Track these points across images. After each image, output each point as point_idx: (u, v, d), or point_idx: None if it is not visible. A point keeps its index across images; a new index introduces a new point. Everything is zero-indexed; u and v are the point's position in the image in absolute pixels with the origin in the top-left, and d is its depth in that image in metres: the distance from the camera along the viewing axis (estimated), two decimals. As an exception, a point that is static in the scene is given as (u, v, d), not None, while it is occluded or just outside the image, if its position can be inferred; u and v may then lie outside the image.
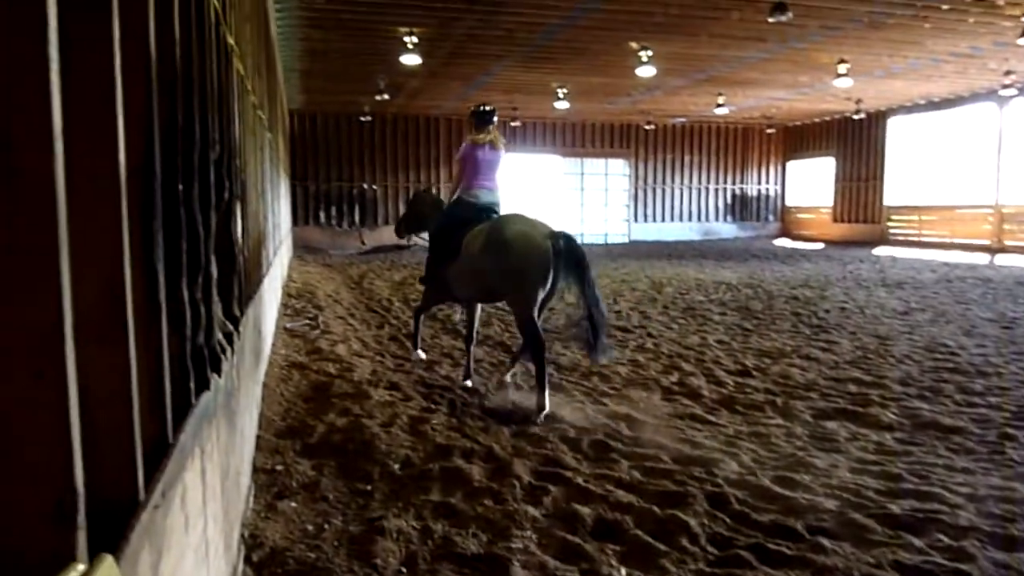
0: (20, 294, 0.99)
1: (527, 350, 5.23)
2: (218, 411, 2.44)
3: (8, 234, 0.99)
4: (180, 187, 1.94)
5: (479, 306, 5.98)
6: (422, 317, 6.79)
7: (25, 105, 1.00)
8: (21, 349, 0.99)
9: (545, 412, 4.84)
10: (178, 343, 1.90)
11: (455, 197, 5.98)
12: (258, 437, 4.26)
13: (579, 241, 5.10)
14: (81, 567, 1.01)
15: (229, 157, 3.20)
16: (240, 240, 3.74)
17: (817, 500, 3.46)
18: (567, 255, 4.93)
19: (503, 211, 5.79)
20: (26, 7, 1.01)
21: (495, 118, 5.95)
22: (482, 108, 5.94)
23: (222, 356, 2.57)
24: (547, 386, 4.95)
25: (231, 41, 3.55)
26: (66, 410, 1.00)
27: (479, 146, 5.82)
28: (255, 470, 3.79)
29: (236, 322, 3.25)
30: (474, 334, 6.01)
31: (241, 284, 3.68)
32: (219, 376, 2.46)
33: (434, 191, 7.56)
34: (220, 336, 2.69)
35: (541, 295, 5.04)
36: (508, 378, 5.80)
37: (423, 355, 6.68)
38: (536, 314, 5.06)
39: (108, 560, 1.04)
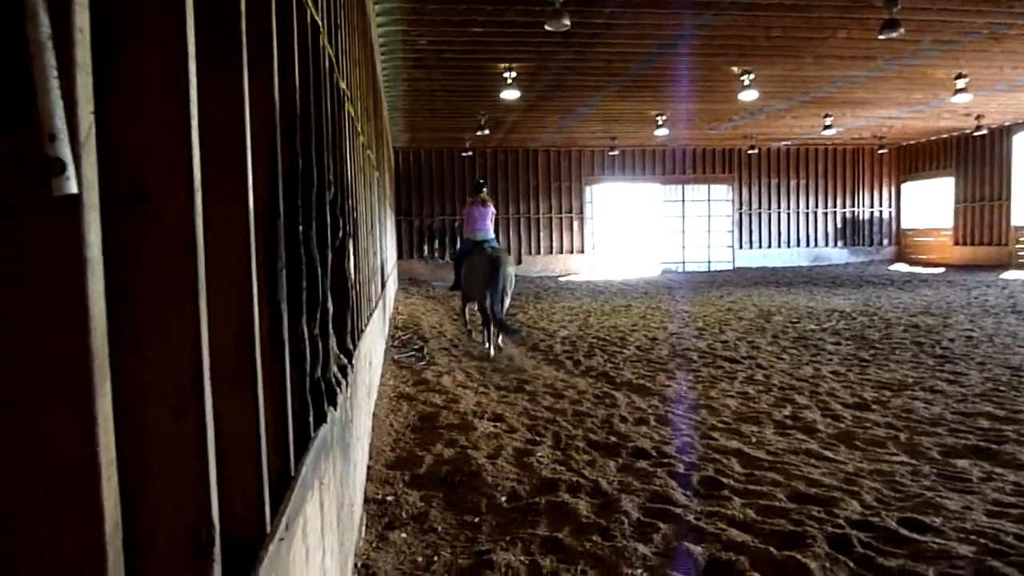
0: (162, 337, 1.05)
1: (498, 325, 8.60)
2: (334, 443, 2.50)
3: (152, 278, 1.05)
4: (300, 228, 2.02)
5: (488, 299, 8.56)
6: (467, 310, 10.01)
7: (169, 159, 1.07)
8: (163, 389, 1.04)
9: (494, 353, 8.56)
10: (298, 378, 1.98)
11: (464, 237, 9.72)
12: (369, 468, 4.36)
13: (510, 261, 8.80)
14: (216, 599, 1.04)
15: (343, 197, 3.33)
16: (352, 276, 3.87)
17: (950, 545, 3.22)
18: (493, 271, 8.45)
19: (493, 243, 9.35)
20: (169, 64, 1.08)
21: (485, 188, 9.99)
22: (477, 181, 10.25)
23: (338, 389, 2.65)
24: (499, 339, 8.95)
25: (343, 86, 3.70)
26: (204, 447, 1.04)
27: (474, 205, 9.68)
28: (367, 500, 3.87)
29: (350, 355, 3.35)
30: (487, 318, 8.74)
31: (354, 318, 3.80)
32: (335, 409, 2.53)
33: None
34: (335, 370, 2.77)
35: (490, 293, 8.44)
36: (493, 344, 8.78)
37: (475, 335, 9.72)
38: (490, 304, 8.45)
39: (241, 593, 1.08)
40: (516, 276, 9.72)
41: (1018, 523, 3.48)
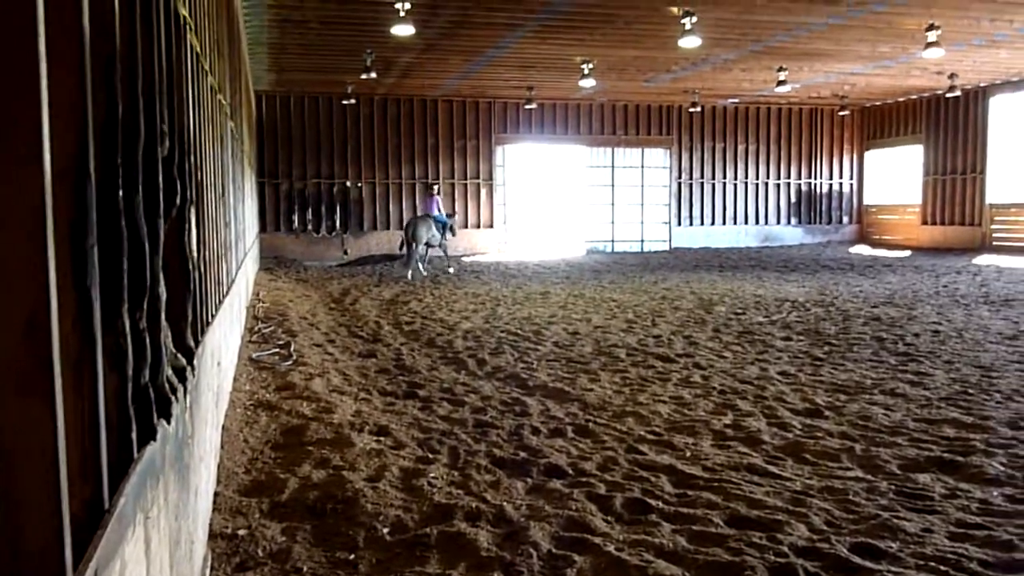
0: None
1: (406, 263, 19.10)
2: (166, 465, 2.43)
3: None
4: (120, 192, 1.95)
5: (415, 246, 18.79)
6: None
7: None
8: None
9: (410, 276, 18.27)
10: (118, 384, 1.91)
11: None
12: (216, 495, 4.26)
13: (420, 225, 19.09)
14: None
15: (181, 153, 3.22)
16: (195, 253, 3.76)
17: (907, 574, 3.41)
18: (408, 229, 18.94)
19: (439, 217, 20.47)
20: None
21: (436, 187, 23.11)
22: (430, 184, 24.00)
23: (172, 397, 2.58)
24: (410, 266, 18.67)
25: (183, 12, 3.58)
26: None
27: (426, 196, 22.88)
28: (212, 536, 3.79)
29: (190, 354, 3.26)
30: (412, 259, 18.65)
31: (196, 307, 3.69)
32: (168, 422, 2.46)
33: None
34: (170, 372, 2.69)
35: (415, 242, 18.77)
36: (413, 272, 18.65)
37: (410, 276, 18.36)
38: (415, 248, 18.81)
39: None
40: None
41: (983, 547, 3.71)
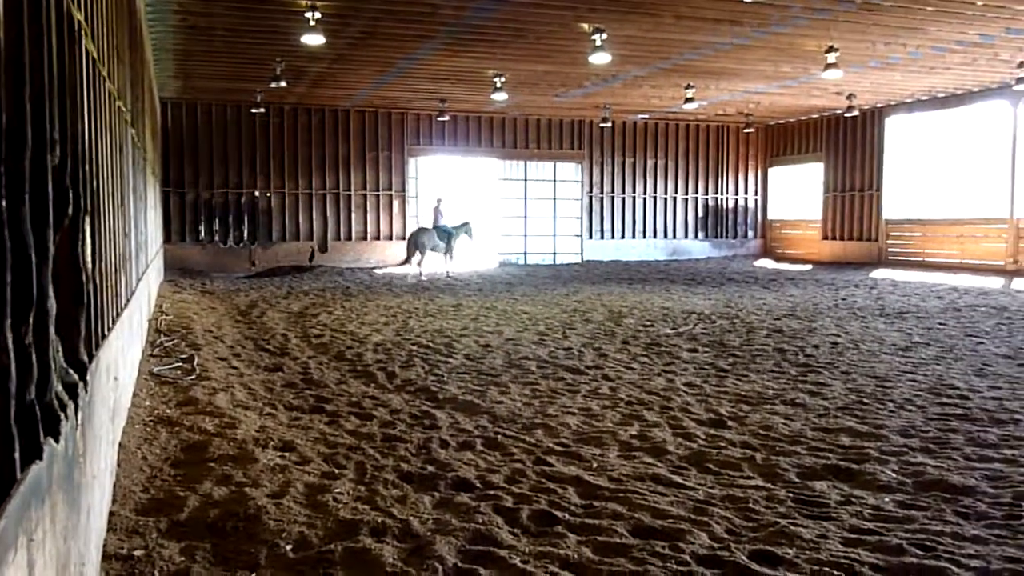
0: None
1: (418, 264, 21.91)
2: (54, 485, 2.35)
3: None
4: (3, 203, 1.88)
5: (417, 254, 21.50)
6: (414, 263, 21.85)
7: None
8: None
9: (420, 274, 21.45)
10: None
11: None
12: (111, 514, 4.14)
13: (422, 235, 21.72)
14: None
15: (75, 162, 3.13)
16: (90, 265, 3.65)
17: (803, 579, 3.51)
18: (418, 238, 21.46)
19: (444, 227, 22.49)
20: None
21: (440, 200, 23.32)
22: (438, 199, 23.63)
23: (61, 414, 2.50)
24: (414, 263, 21.87)
25: (78, 16, 3.48)
26: None
27: (434, 210, 23.33)
28: (107, 557, 3.67)
29: (83, 369, 3.16)
30: (420, 267, 21.43)
31: (91, 320, 3.58)
32: (56, 440, 2.38)
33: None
34: (60, 388, 2.61)
35: (418, 250, 21.38)
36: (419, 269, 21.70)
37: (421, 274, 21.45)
38: (422, 256, 21.46)
39: None
40: (327, 265, 23.32)
41: (875, 552, 3.85)
